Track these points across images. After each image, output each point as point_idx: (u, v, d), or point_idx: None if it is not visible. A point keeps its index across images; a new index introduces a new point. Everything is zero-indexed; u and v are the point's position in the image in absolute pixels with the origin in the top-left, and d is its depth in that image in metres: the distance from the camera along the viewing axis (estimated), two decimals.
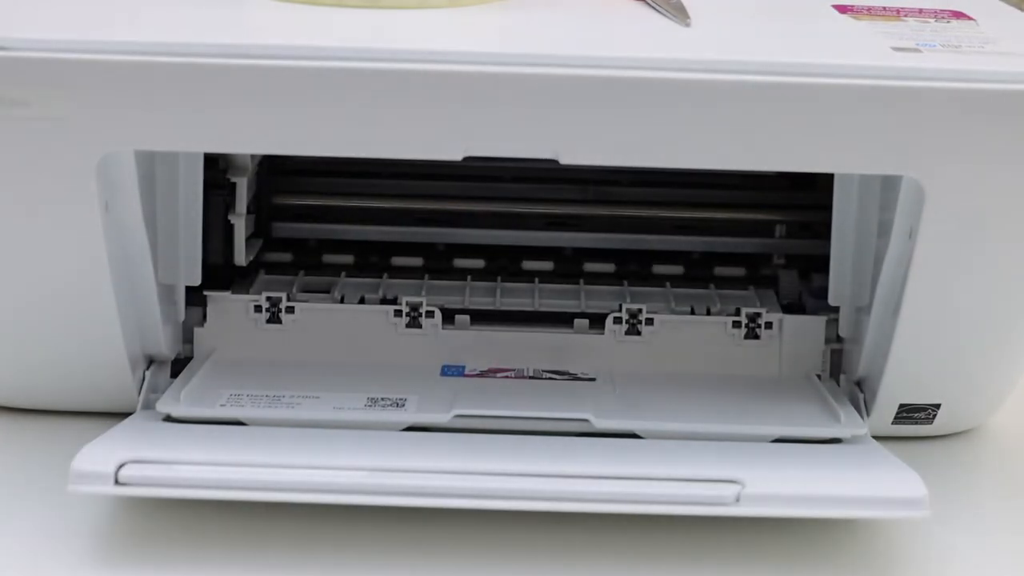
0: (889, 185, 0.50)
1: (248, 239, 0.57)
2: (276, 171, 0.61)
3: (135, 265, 0.50)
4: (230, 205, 0.56)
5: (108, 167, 0.46)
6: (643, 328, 0.56)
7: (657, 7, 0.51)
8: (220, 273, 0.56)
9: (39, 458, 0.50)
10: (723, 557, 0.46)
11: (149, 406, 0.51)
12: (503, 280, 0.60)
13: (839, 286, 0.54)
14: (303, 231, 0.61)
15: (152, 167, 0.50)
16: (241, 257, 0.56)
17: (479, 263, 0.62)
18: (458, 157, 0.46)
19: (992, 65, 0.45)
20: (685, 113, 0.44)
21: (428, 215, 0.62)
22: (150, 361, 0.54)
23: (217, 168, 0.55)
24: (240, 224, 0.56)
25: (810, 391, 0.54)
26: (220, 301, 0.56)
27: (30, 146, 0.45)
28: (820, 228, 0.58)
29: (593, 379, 0.55)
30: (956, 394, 0.53)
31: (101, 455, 0.44)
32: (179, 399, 0.51)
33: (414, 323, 0.56)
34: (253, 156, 0.57)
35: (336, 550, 0.46)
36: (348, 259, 0.61)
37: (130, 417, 0.50)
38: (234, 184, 0.55)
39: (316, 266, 0.61)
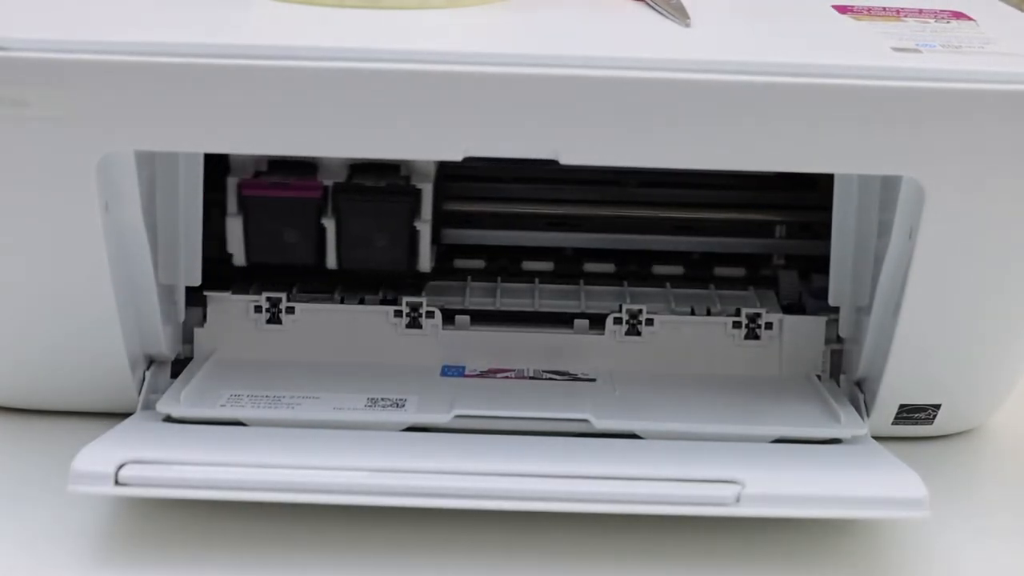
0: (889, 185, 0.50)
1: None
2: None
3: (135, 265, 0.50)
4: (416, 211, 0.55)
5: (108, 167, 0.46)
6: (643, 328, 0.56)
7: (657, 7, 0.51)
8: (406, 280, 0.57)
9: (39, 458, 0.50)
10: (723, 557, 0.46)
11: (149, 406, 0.51)
12: (503, 280, 0.60)
13: (839, 286, 0.54)
14: None
15: (152, 167, 0.50)
16: (426, 263, 0.56)
17: (479, 263, 0.62)
18: (458, 157, 0.46)
19: (992, 65, 0.45)
20: (685, 113, 0.44)
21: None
22: (150, 361, 0.54)
23: (399, 174, 0.56)
24: (426, 230, 0.56)
25: (810, 391, 0.54)
26: (220, 301, 0.56)
27: (30, 146, 0.45)
28: (820, 228, 0.58)
29: (593, 379, 0.55)
30: (956, 394, 0.53)
31: (101, 455, 0.44)
32: (179, 399, 0.51)
33: (414, 323, 0.56)
34: (437, 163, 0.56)
35: (336, 550, 0.46)
36: None
37: (130, 417, 0.50)
38: (419, 191, 0.55)
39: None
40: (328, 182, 0.55)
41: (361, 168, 0.56)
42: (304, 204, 0.55)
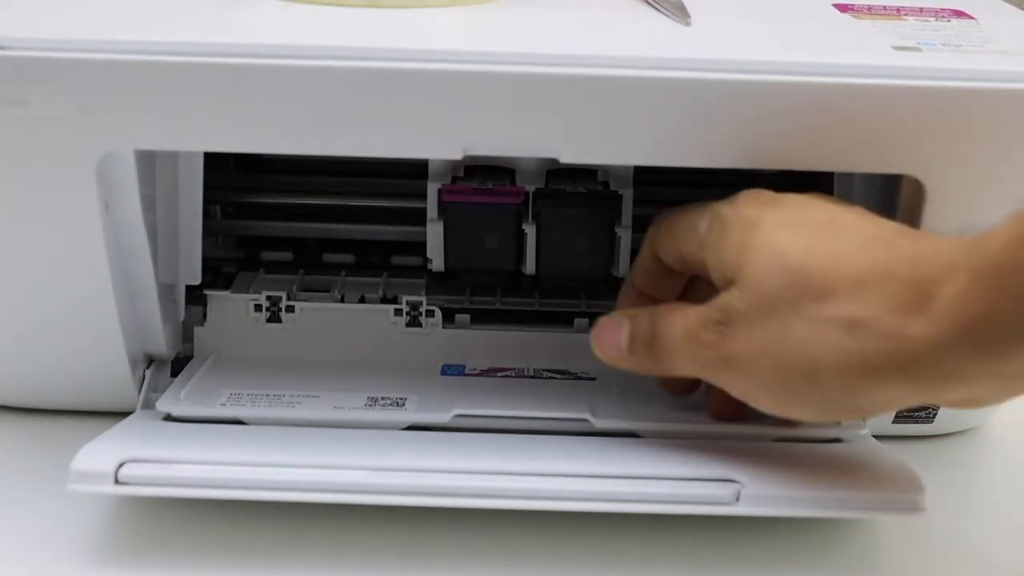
0: (890, 183, 0.50)
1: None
2: (259, 169, 0.61)
3: (135, 265, 0.50)
4: (616, 217, 0.55)
5: (108, 167, 0.46)
6: None
7: (657, 6, 0.51)
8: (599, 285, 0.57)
9: (39, 458, 0.50)
10: (723, 557, 0.46)
11: (149, 405, 0.51)
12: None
13: None
14: (301, 230, 0.61)
15: (152, 167, 0.50)
16: (626, 267, 0.56)
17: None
18: (458, 156, 0.46)
19: (993, 64, 0.45)
20: (685, 113, 0.44)
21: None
22: (150, 360, 0.54)
23: (595, 179, 0.56)
24: (626, 236, 0.55)
25: None
26: (220, 300, 0.56)
27: (30, 146, 0.45)
28: None
29: (593, 379, 0.55)
30: None
31: (101, 454, 0.44)
32: (179, 398, 0.50)
33: (414, 322, 0.56)
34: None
35: (336, 549, 0.46)
36: (348, 258, 0.61)
37: (130, 416, 0.51)
38: (620, 196, 0.55)
39: (316, 265, 0.61)
40: (528, 187, 0.55)
41: (557, 173, 0.55)
42: (506, 210, 0.55)
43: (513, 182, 0.55)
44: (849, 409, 0.42)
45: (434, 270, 0.56)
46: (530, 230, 0.55)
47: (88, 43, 0.43)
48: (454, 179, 0.55)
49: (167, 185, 0.52)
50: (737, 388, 0.43)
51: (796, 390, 0.41)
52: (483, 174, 0.55)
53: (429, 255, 0.56)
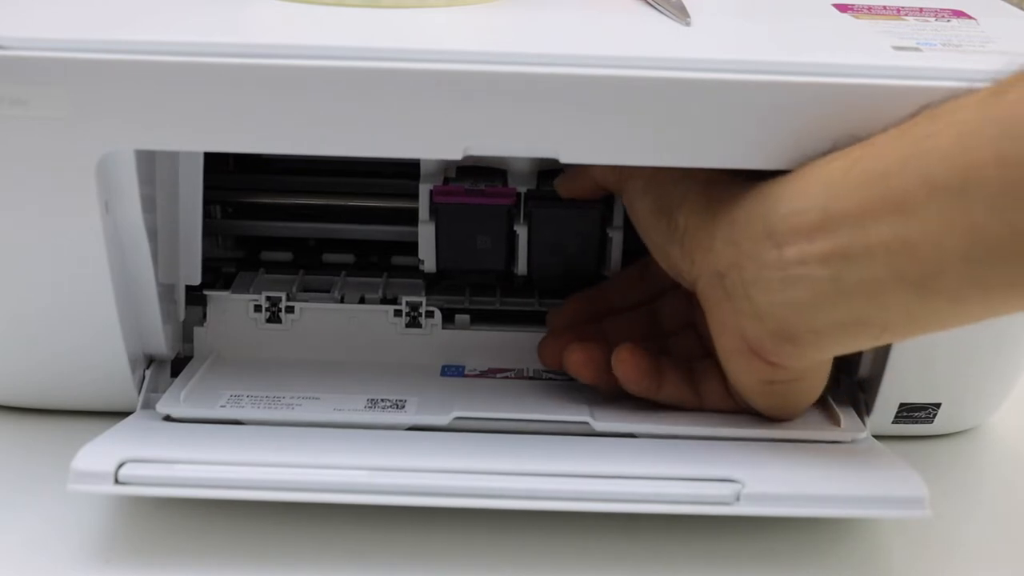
0: None
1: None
2: (259, 169, 0.61)
3: (135, 265, 0.50)
4: (608, 218, 0.56)
5: (108, 167, 0.46)
6: None
7: (658, 6, 0.51)
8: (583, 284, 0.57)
9: (39, 457, 0.50)
10: (723, 557, 0.46)
11: (149, 406, 0.51)
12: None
13: None
14: (301, 230, 0.61)
15: (152, 167, 0.50)
16: (617, 267, 0.56)
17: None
18: (458, 156, 0.46)
19: (993, 64, 0.45)
20: (685, 113, 0.44)
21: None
22: (150, 361, 0.54)
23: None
24: (617, 237, 0.56)
25: None
26: (220, 300, 0.56)
27: (30, 146, 0.45)
28: None
29: None
30: (956, 394, 0.53)
31: (101, 454, 0.44)
32: (179, 400, 0.50)
33: (414, 323, 0.56)
34: None
35: (336, 549, 0.46)
36: (348, 258, 0.61)
37: (130, 416, 0.50)
38: (612, 197, 0.55)
39: (316, 265, 0.61)
40: (520, 188, 0.55)
41: (548, 173, 0.56)
42: (497, 211, 0.55)
43: (505, 183, 0.55)
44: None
45: (426, 271, 0.56)
46: (522, 231, 0.55)
47: (88, 43, 0.43)
48: (446, 180, 0.55)
49: (167, 185, 0.52)
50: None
51: None
52: (475, 175, 0.55)
53: (421, 256, 0.56)
